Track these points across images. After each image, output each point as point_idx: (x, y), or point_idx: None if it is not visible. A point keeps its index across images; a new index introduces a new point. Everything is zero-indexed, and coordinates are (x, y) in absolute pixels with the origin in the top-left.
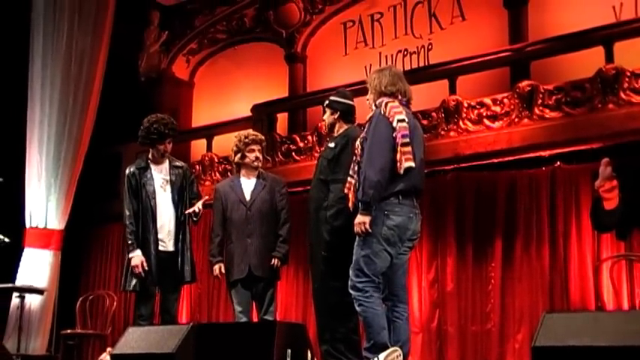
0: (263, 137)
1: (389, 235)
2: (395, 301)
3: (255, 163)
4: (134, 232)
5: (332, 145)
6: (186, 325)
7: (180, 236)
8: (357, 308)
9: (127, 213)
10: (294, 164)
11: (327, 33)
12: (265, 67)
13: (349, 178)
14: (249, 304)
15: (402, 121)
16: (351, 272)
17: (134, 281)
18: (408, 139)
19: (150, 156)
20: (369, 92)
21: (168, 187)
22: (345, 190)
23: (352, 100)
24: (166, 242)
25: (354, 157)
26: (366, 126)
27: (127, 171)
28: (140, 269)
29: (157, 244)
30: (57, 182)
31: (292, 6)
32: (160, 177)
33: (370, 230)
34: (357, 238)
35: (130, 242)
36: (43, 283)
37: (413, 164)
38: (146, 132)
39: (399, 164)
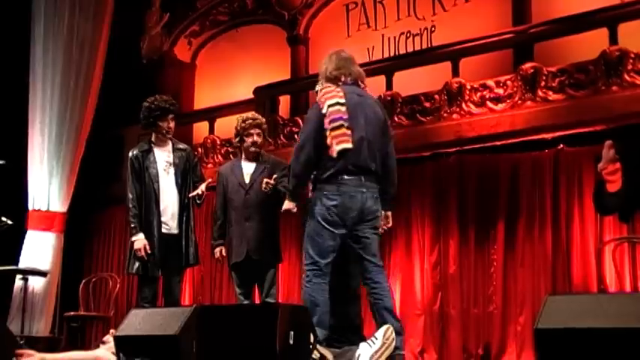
0: (263, 120)
1: (327, 215)
2: (369, 284)
3: (252, 148)
4: (137, 215)
5: None
6: (189, 307)
7: (184, 219)
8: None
9: (130, 196)
10: None
11: (329, 15)
12: (267, 50)
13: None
14: (250, 286)
15: (332, 105)
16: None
17: (137, 264)
18: (338, 122)
19: (153, 139)
20: (319, 80)
21: (172, 170)
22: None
23: None
24: (170, 225)
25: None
26: None
27: (130, 154)
28: (143, 252)
29: (160, 227)
30: (59, 165)
31: None
32: (163, 160)
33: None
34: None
35: (132, 225)
36: (46, 266)
37: (349, 145)
38: (148, 111)
39: (330, 149)
